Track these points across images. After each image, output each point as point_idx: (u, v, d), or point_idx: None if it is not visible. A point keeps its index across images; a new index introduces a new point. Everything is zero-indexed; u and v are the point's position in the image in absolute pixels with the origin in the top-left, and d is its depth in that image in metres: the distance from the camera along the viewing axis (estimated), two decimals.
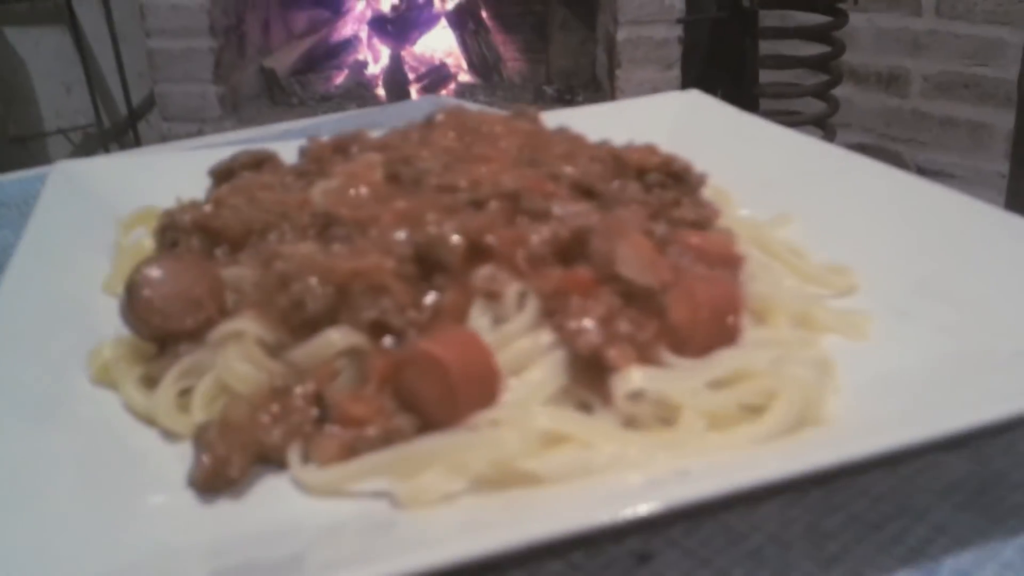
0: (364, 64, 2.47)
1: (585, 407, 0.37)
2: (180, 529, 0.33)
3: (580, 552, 0.33)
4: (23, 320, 0.44)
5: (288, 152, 0.56)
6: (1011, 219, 0.47)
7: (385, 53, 2.45)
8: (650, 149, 0.49)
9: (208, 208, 0.45)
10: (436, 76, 2.42)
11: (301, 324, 0.38)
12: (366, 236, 0.41)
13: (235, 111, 2.26)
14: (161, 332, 0.39)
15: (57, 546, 0.31)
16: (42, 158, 2.45)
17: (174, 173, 0.57)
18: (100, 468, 0.36)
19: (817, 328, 0.43)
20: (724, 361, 0.38)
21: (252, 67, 2.37)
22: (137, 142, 2.45)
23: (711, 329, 0.38)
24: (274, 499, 0.35)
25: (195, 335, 0.39)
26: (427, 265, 0.40)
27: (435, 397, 0.36)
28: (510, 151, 0.47)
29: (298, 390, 0.37)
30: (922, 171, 2.22)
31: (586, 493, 0.32)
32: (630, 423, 0.36)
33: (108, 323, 0.43)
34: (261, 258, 0.42)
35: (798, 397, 0.35)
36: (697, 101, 0.69)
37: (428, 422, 0.36)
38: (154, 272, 0.40)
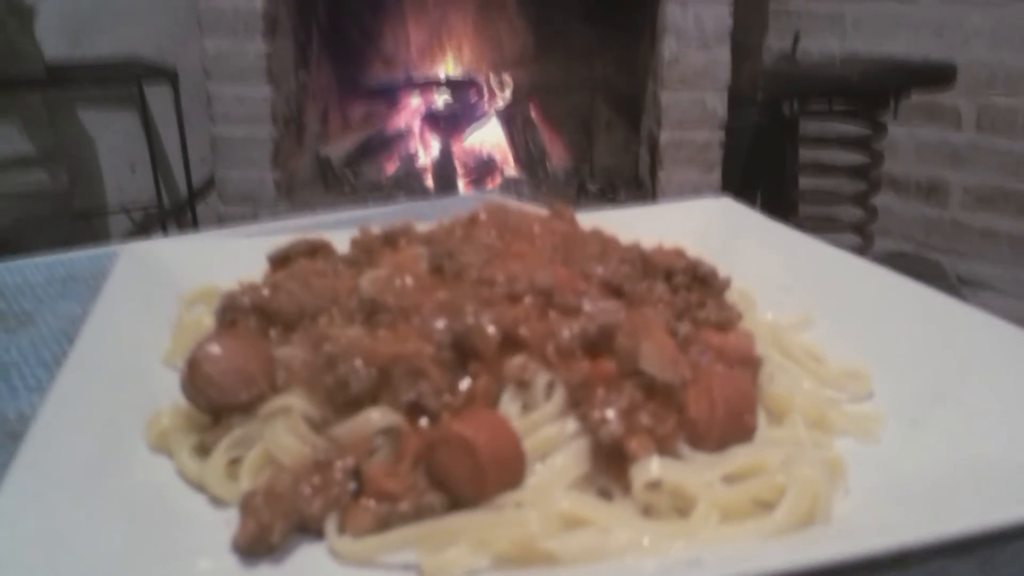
0: (415, 155, 2.55)
1: (605, 494, 0.40)
2: None
3: None
4: (88, 386, 0.47)
5: (339, 239, 0.59)
6: None
7: (436, 146, 2.53)
8: (678, 252, 0.52)
9: (265, 291, 0.49)
10: (483, 169, 2.50)
11: (344, 403, 0.41)
12: (408, 323, 0.44)
13: (289, 195, 2.34)
14: (217, 405, 0.43)
15: None
16: (103, 234, 2.56)
17: (234, 256, 0.61)
18: (151, 527, 0.38)
19: (831, 430, 0.45)
20: (738, 457, 0.40)
21: (309, 154, 2.46)
22: (195, 222, 2.55)
23: (727, 426, 0.41)
24: (310, 565, 0.37)
25: (247, 408, 0.42)
26: (463, 352, 0.43)
27: (465, 476, 0.38)
28: (546, 250, 0.50)
29: (338, 464, 0.40)
30: (962, 281, 2.22)
31: (602, 573, 0.34)
32: (647, 512, 0.38)
33: (166, 392, 0.47)
34: (311, 340, 0.45)
35: (807, 494, 0.37)
36: (729, 207, 0.73)
37: (457, 500, 0.38)
38: (214, 349, 0.43)
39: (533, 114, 2.58)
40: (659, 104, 2.20)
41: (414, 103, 2.60)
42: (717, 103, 2.18)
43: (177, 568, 0.36)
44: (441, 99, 2.58)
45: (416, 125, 2.60)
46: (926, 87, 1.85)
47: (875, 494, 0.40)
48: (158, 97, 2.57)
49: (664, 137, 2.21)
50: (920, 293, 0.55)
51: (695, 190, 2.15)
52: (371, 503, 0.38)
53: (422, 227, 0.58)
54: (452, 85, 2.59)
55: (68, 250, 0.81)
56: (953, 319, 0.52)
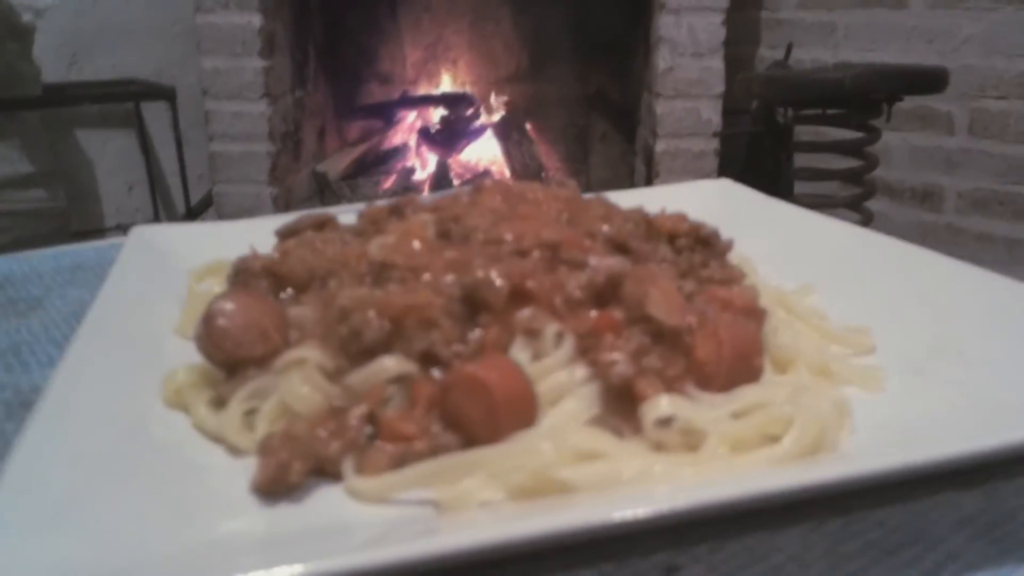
0: (412, 170, 2.57)
1: (616, 434, 0.40)
2: (242, 525, 0.36)
3: (610, 564, 0.36)
4: (102, 351, 0.48)
5: (347, 220, 0.60)
6: (1021, 288, 0.50)
7: (432, 160, 2.55)
8: (680, 216, 0.53)
9: (276, 256, 0.50)
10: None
11: (358, 352, 0.42)
12: (418, 280, 0.45)
13: (287, 211, 2.35)
14: (232, 358, 0.43)
15: (128, 531, 0.34)
16: None
17: (243, 237, 0.62)
18: (170, 480, 0.39)
19: (835, 380, 0.46)
20: (746, 395, 0.40)
21: (306, 170, 2.48)
22: None
23: (734, 367, 0.41)
24: (327, 504, 0.38)
25: (262, 362, 0.43)
26: (473, 306, 0.44)
27: (479, 416, 0.39)
28: (551, 213, 0.51)
29: (353, 411, 0.40)
30: None
31: (616, 499, 0.35)
32: (658, 448, 0.39)
33: (179, 358, 0.47)
34: (322, 300, 0.46)
35: (814, 424, 0.38)
36: (728, 187, 0.74)
37: (472, 441, 0.39)
38: (228, 304, 0.44)
39: (528, 127, 2.60)
40: (654, 114, 2.23)
41: (410, 119, 2.62)
42: (712, 112, 2.21)
43: (196, 509, 0.37)
44: (437, 114, 2.60)
45: (412, 140, 2.62)
46: (919, 92, 1.87)
47: (880, 431, 0.41)
48: (155, 117, 2.59)
49: (660, 147, 2.23)
50: (920, 255, 0.56)
51: None
52: (387, 445, 0.39)
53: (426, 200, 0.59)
54: (448, 100, 2.61)
55: None
56: (951, 277, 0.53)
